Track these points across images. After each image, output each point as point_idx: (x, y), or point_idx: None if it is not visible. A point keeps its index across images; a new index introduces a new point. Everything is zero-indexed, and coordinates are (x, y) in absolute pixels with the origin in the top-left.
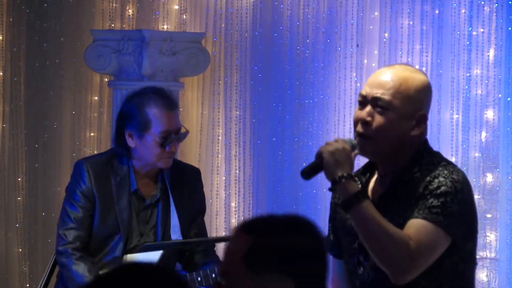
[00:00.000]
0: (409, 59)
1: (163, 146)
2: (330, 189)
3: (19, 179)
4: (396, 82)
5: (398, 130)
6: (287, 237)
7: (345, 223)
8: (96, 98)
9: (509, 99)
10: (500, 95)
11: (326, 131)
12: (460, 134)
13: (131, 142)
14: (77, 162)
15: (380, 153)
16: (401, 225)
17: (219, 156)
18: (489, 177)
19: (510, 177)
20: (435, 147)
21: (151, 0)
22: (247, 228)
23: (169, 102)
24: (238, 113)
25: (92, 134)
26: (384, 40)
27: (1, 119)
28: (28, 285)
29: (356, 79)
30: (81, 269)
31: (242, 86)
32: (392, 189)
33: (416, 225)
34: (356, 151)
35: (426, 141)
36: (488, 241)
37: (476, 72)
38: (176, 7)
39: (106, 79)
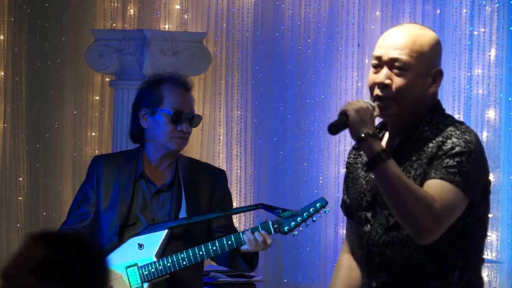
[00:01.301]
0: None
1: (175, 124)
2: (354, 148)
3: (20, 179)
4: (410, 41)
5: (418, 89)
6: (78, 255)
7: (357, 181)
8: (97, 97)
9: (510, 99)
10: (501, 95)
11: (327, 131)
12: None
13: (144, 123)
14: (93, 158)
15: (400, 113)
16: None
17: (220, 156)
18: (491, 177)
19: (511, 177)
20: None
21: (153, 0)
22: (45, 239)
23: (183, 83)
24: (239, 112)
25: (93, 133)
26: None
27: (2, 118)
28: None
29: (357, 78)
30: None
31: (244, 86)
32: (400, 146)
33: (436, 185)
34: (376, 113)
35: (438, 102)
36: (489, 241)
37: (478, 72)
38: (178, 7)
39: (107, 79)
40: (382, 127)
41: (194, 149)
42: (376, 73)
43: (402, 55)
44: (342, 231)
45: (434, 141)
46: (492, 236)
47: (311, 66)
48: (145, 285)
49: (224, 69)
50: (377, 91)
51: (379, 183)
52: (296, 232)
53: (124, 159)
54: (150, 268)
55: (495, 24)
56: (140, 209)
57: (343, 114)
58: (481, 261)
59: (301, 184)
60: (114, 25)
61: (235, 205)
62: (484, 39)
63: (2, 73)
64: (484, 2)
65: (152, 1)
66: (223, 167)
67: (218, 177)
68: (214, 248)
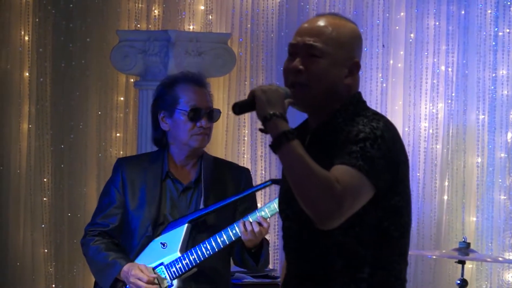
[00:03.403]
0: (435, 60)
1: (194, 121)
2: (260, 129)
3: (45, 180)
4: (328, 28)
5: (331, 77)
6: None
7: (284, 178)
8: (122, 98)
9: None
10: None
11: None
12: (486, 134)
13: (164, 126)
14: (116, 160)
15: (313, 102)
16: None
17: (245, 156)
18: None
19: None
20: (461, 148)
21: (177, 0)
22: None
23: (197, 79)
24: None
25: (118, 134)
26: (410, 40)
27: (27, 119)
28: (54, 285)
29: (382, 79)
30: (97, 244)
31: None
32: (314, 138)
33: (338, 170)
34: (290, 100)
35: (357, 94)
36: None
37: (502, 73)
38: (202, 7)
39: (132, 80)
40: (306, 126)
41: (219, 149)
42: (290, 60)
43: (317, 42)
44: None
45: (345, 129)
46: None
47: None
48: (175, 282)
49: (248, 70)
50: (291, 77)
51: (283, 165)
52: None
53: (148, 160)
54: (176, 264)
55: None
56: (169, 209)
57: (251, 95)
58: (402, 262)
59: None
60: (139, 25)
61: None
62: (509, 40)
63: (27, 74)
64: (508, 3)
65: (176, 1)
66: (248, 168)
67: (243, 175)
68: (234, 231)
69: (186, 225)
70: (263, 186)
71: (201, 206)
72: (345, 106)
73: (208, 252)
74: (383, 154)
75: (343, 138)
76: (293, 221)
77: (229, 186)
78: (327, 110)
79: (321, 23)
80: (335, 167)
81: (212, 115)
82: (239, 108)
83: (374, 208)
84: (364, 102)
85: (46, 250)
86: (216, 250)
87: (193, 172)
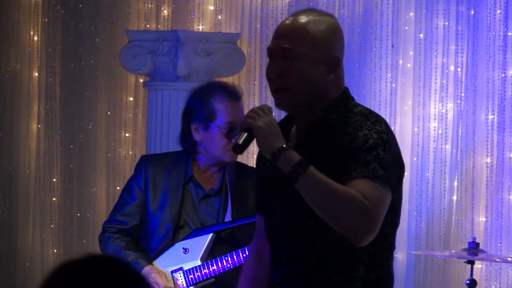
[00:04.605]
0: (444, 60)
1: (229, 137)
2: (271, 160)
3: (54, 180)
4: (299, 29)
5: (311, 77)
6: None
7: (266, 174)
8: (131, 98)
9: None
10: None
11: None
12: (495, 134)
13: (197, 136)
14: (140, 157)
15: (298, 104)
16: None
17: (255, 157)
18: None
19: None
20: (470, 148)
21: (186, 0)
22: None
23: (234, 93)
24: (273, 113)
25: (127, 134)
26: (420, 40)
27: (36, 119)
28: None
29: (391, 79)
30: (116, 242)
31: None
32: (307, 137)
33: (361, 185)
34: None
35: (345, 90)
36: None
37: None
38: (212, 7)
39: (141, 80)
40: (289, 119)
41: None
42: (270, 64)
43: (291, 45)
44: None
45: (343, 132)
46: None
47: (345, 67)
48: None
49: (258, 70)
50: (272, 83)
51: (304, 193)
52: None
53: (172, 161)
54: (195, 272)
55: None
56: (188, 213)
57: (247, 130)
58: (391, 258)
59: None
60: (148, 26)
61: None
62: None
63: (36, 74)
64: None
65: (185, 1)
66: None
67: None
68: None
69: (211, 234)
70: None
71: (229, 218)
72: (336, 102)
73: (228, 265)
74: (393, 158)
75: (347, 141)
76: (285, 220)
77: (251, 193)
78: (316, 108)
79: (295, 23)
80: (357, 181)
81: None
82: (240, 149)
83: None
84: (352, 97)
85: (55, 250)
86: (238, 265)
87: (216, 178)
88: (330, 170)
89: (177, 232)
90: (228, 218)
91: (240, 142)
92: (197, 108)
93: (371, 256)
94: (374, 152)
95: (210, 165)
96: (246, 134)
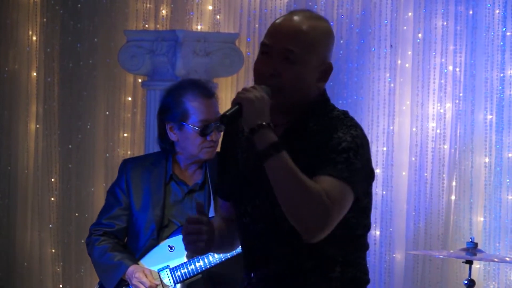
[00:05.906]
0: (442, 60)
1: (204, 135)
2: (247, 136)
3: (53, 180)
4: (304, 31)
5: (305, 82)
6: None
7: (235, 168)
8: (129, 98)
9: None
10: None
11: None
12: (493, 134)
13: (173, 136)
14: (122, 161)
15: (285, 104)
16: None
17: None
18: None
19: None
20: (468, 148)
21: (185, 0)
22: None
23: (206, 91)
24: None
25: (125, 134)
26: (418, 40)
27: (35, 119)
28: (61, 285)
29: (390, 79)
30: (102, 244)
31: None
32: (285, 136)
33: (325, 182)
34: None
35: (324, 92)
36: None
37: (510, 73)
38: (210, 7)
39: (139, 80)
40: None
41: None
42: (263, 60)
43: (294, 47)
44: (374, 232)
45: (320, 133)
46: None
47: (343, 67)
48: (178, 286)
49: None
50: (264, 80)
51: (270, 175)
52: None
53: (152, 162)
54: (181, 269)
55: None
56: (172, 211)
57: (236, 104)
58: (364, 257)
59: None
60: (147, 25)
61: None
62: None
63: (35, 74)
64: None
65: (184, 1)
66: None
67: None
68: None
69: None
70: None
71: (212, 213)
72: (316, 104)
73: (214, 260)
74: (363, 164)
75: (321, 142)
76: (258, 220)
77: None
78: (296, 108)
79: (296, 24)
80: (322, 177)
81: (220, 126)
82: (227, 119)
83: (348, 211)
84: (329, 99)
85: (53, 250)
86: (223, 259)
87: (199, 174)
88: (301, 168)
89: (162, 231)
90: (211, 213)
91: (228, 113)
92: (170, 108)
93: (346, 256)
94: (345, 154)
95: (189, 163)
96: (236, 107)
